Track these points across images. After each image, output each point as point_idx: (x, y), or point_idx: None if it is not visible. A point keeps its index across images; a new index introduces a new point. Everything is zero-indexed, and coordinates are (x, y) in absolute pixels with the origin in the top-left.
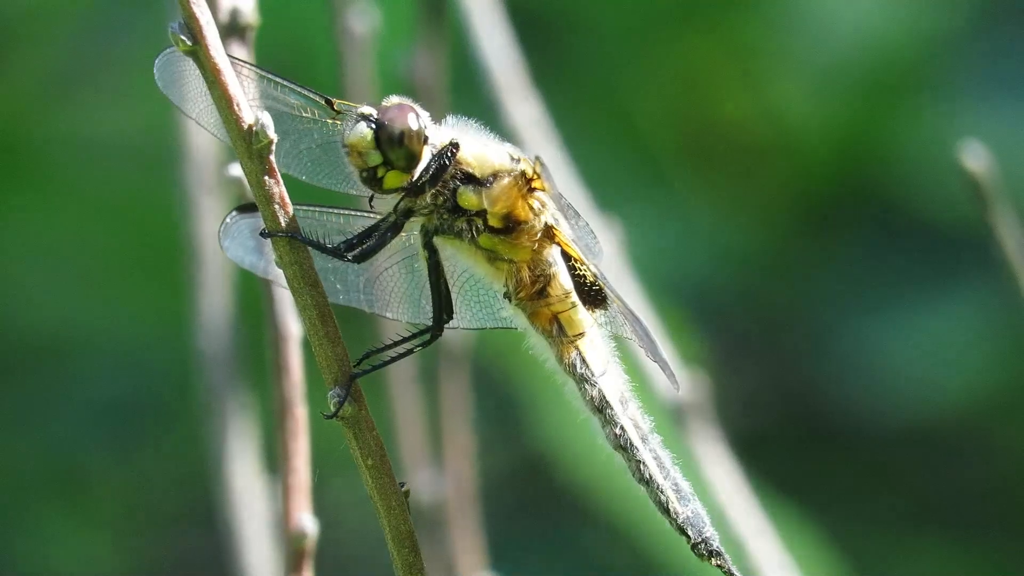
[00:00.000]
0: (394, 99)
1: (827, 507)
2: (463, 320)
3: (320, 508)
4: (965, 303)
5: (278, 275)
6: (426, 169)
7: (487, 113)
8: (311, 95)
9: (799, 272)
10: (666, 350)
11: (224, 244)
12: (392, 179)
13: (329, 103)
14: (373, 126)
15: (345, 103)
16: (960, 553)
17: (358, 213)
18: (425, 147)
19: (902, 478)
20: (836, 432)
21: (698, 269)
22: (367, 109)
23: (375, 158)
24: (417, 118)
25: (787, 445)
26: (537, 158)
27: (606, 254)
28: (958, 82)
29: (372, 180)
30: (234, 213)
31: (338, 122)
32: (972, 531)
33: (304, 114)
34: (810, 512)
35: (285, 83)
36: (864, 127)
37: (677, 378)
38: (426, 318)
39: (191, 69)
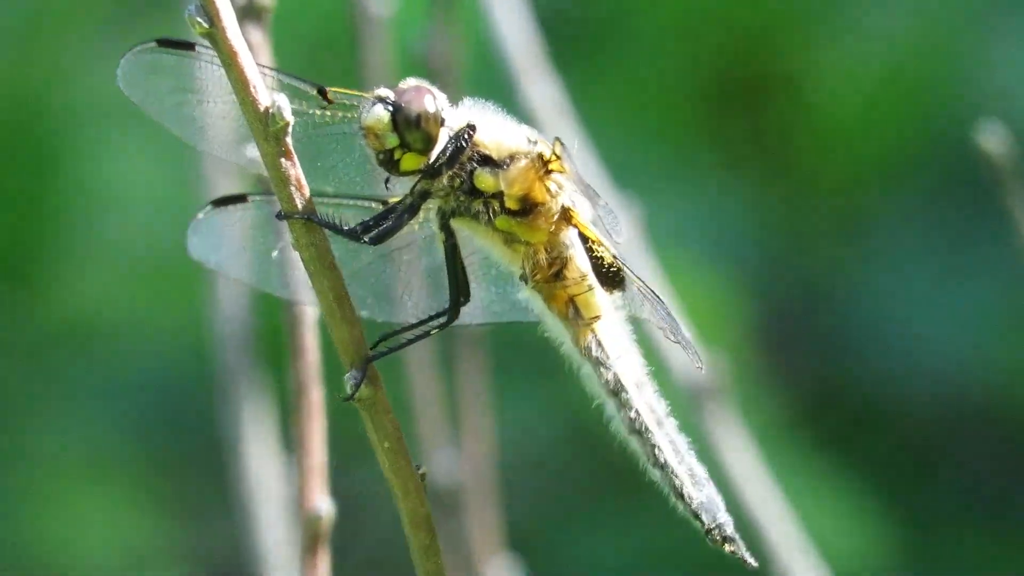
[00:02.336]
0: (411, 81)
1: (869, 481)
2: (475, 311)
3: (336, 490)
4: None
5: (247, 274)
6: (443, 151)
7: (504, 94)
8: (300, 84)
9: (836, 245)
10: (688, 330)
11: (190, 241)
12: (409, 161)
13: (322, 92)
14: (390, 108)
15: (342, 91)
16: (1005, 532)
17: (366, 203)
18: (442, 129)
19: (942, 452)
20: (878, 405)
21: (726, 246)
22: (384, 91)
23: (392, 140)
24: (434, 100)
25: (828, 417)
26: (557, 139)
27: (626, 234)
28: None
29: (389, 162)
30: (208, 207)
31: (328, 113)
32: (1017, 511)
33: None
34: (855, 487)
35: (273, 72)
36: (905, 92)
37: (700, 357)
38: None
39: (162, 65)
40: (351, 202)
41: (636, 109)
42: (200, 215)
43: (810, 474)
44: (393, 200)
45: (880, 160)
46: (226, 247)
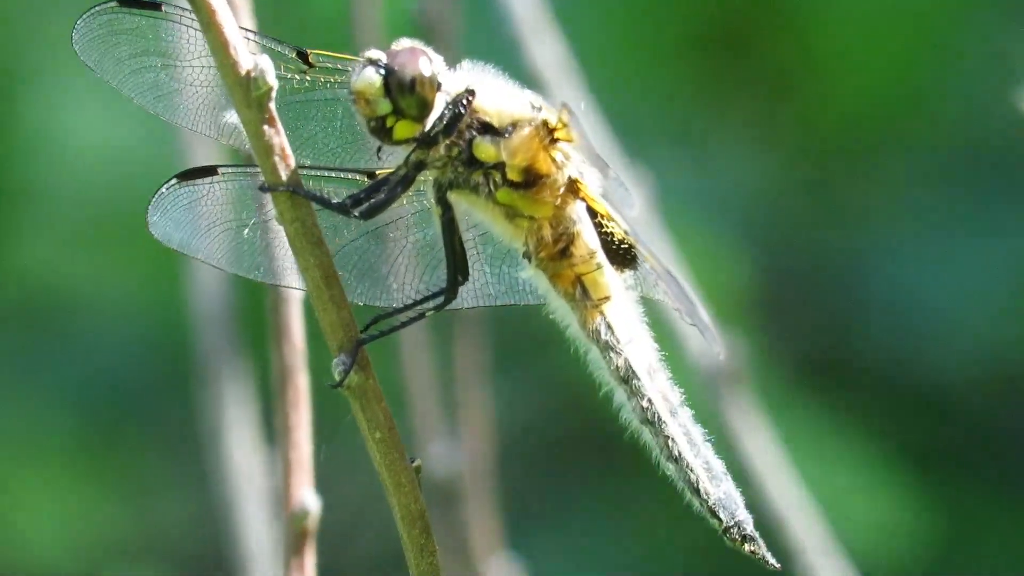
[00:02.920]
0: (404, 42)
1: (897, 459)
2: (468, 294)
3: (323, 483)
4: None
5: (216, 255)
6: (439, 118)
7: (506, 56)
8: (278, 47)
9: (847, 211)
10: (706, 311)
11: (152, 219)
12: (403, 129)
13: (303, 56)
14: (382, 72)
15: (325, 54)
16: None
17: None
18: (438, 94)
19: (973, 424)
20: (902, 377)
21: (737, 215)
22: (375, 54)
23: (384, 106)
24: (429, 63)
25: (836, 385)
26: (564, 105)
27: (639, 208)
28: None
29: (381, 130)
30: (173, 181)
31: (308, 78)
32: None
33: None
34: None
35: (249, 34)
36: (912, 58)
37: (719, 341)
38: (434, 284)
39: (123, 27)
40: (331, 175)
41: (645, 66)
42: (164, 189)
43: (833, 455)
44: (381, 172)
45: (897, 111)
46: (193, 225)
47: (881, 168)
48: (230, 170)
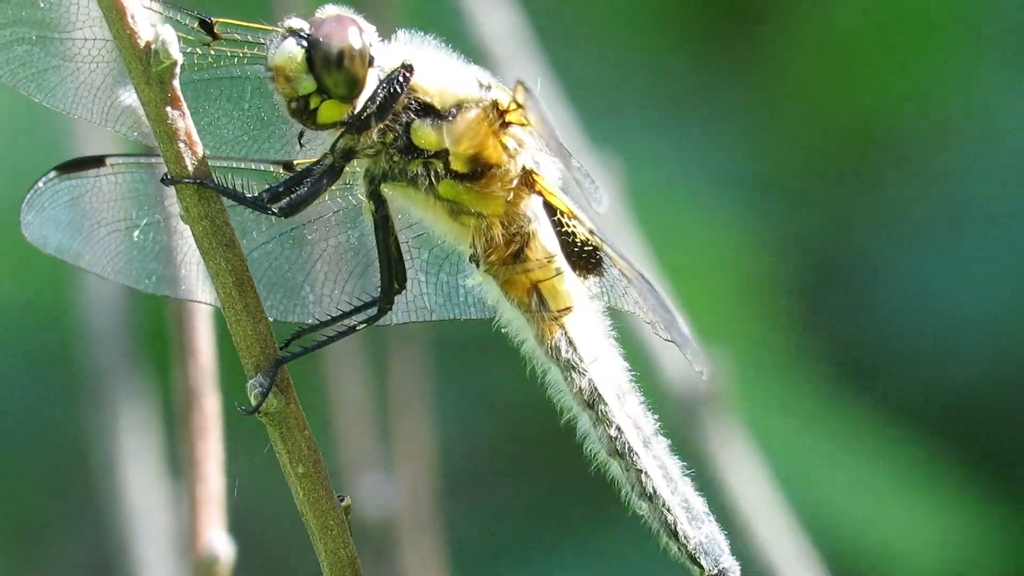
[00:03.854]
0: (331, 9)
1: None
2: (398, 308)
3: (237, 524)
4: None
5: (99, 263)
6: (371, 98)
7: (449, 26)
8: (176, 14)
9: (841, 207)
10: (687, 324)
11: (25, 219)
12: (328, 111)
13: (206, 25)
14: (304, 44)
15: (233, 23)
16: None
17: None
18: (370, 70)
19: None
20: (921, 381)
21: (720, 211)
22: (297, 23)
23: (307, 85)
24: (360, 33)
25: (867, 396)
26: (519, 83)
27: (606, 203)
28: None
29: (303, 112)
30: (52, 174)
31: (212, 51)
32: None
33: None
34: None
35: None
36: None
37: (701, 358)
38: (371, 290)
39: None
40: (239, 167)
41: (611, 37)
42: (40, 184)
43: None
44: (300, 163)
45: (908, 87)
46: (74, 226)
47: (896, 148)
48: (121, 161)
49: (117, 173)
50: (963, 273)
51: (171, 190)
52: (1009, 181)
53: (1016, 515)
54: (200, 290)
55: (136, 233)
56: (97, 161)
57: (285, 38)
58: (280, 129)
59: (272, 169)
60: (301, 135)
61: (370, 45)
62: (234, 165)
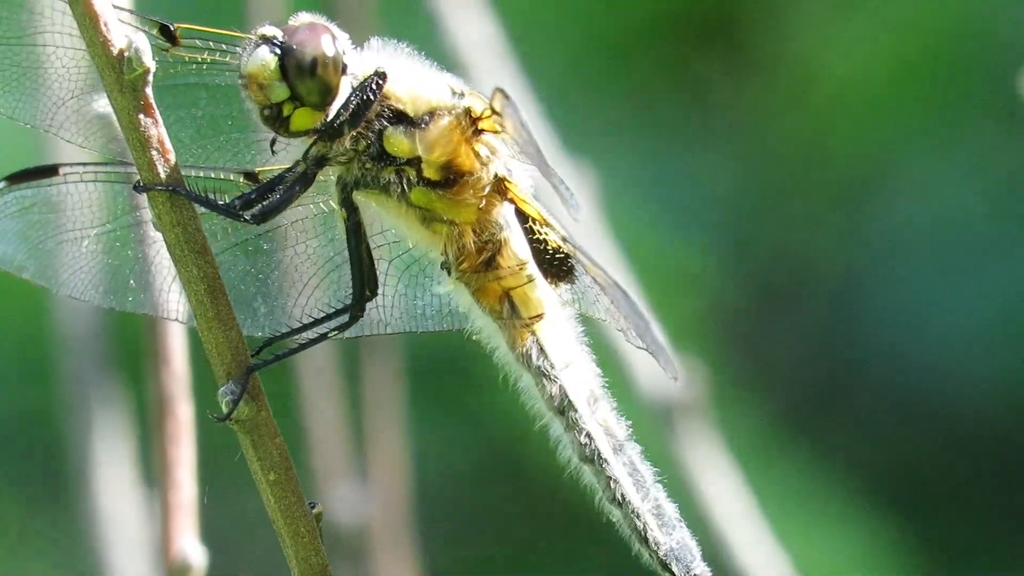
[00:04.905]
0: (304, 17)
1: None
2: (387, 314)
3: (209, 532)
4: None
5: (50, 277)
6: (344, 106)
7: (424, 33)
8: (133, 19)
9: (833, 215)
10: (660, 331)
11: None
12: (301, 118)
13: (167, 32)
14: (278, 52)
15: (195, 28)
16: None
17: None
18: (343, 78)
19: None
20: (885, 412)
21: (697, 225)
22: (270, 30)
23: (280, 92)
24: (333, 41)
25: (824, 426)
26: (498, 90)
27: (581, 212)
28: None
29: (276, 119)
30: (1, 184)
31: (169, 57)
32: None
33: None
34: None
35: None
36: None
37: (674, 365)
38: (341, 297)
39: None
40: (195, 174)
41: (589, 50)
42: None
43: (804, 499)
44: (264, 171)
45: (891, 107)
46: (21, 237)
47: (874, 170)
48: (72, 169)
49: (70, 182)
50: (944, 293)
51: (128, 200)
52: (993, 205)
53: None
54: (148, 303)
55: (85, 244)
56: (50, 170)
57: (258, 45)
58: (230, 139)
59: (233, 178)
60: (273, 143)
61: (343, 53)
62: (192, 174)
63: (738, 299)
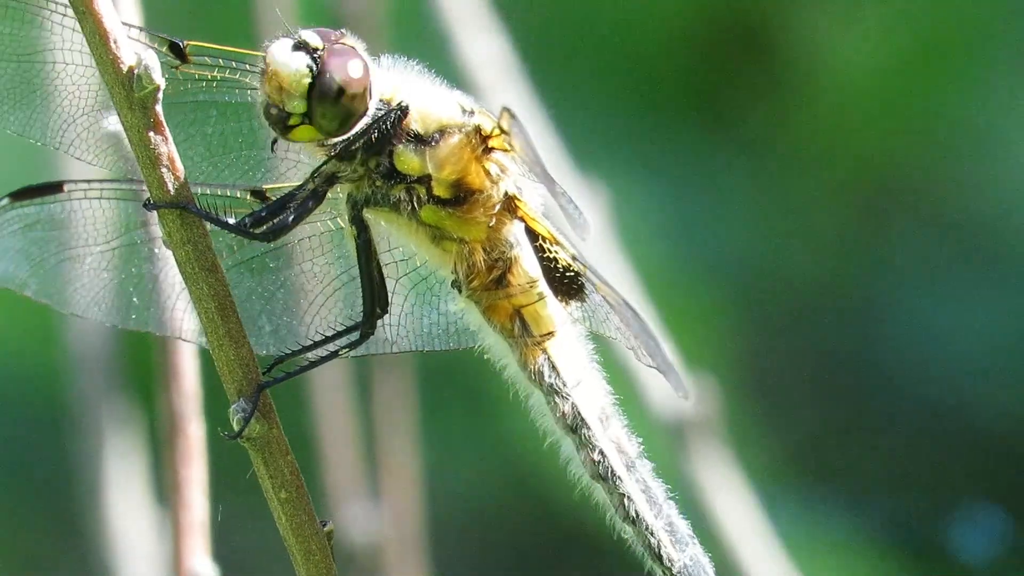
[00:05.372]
0: (350, 40)
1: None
2: (398, 332)
3: (221, 550)
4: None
5: (55, 296)
6: (361, 134)
7: (434, 50)
8: (143, 37)
9: (850, 245)
10: (668, 349)
11: None
12: (303, 133)
13: (177, 49)
14: (313, 68)
15: (205, 46)
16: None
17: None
18: (362, 119)
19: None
20: (904, 447)
21: (710, 245)
22: (314, 38)
23: (298, 106)
24: (367, 80)
25: (837, 459)
26: (505, 110)
27: (590, 230)
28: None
29: (280, 122)
30: (4, 201)
31: (179, 75)
32: None
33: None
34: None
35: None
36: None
37: (683, 383)
38: (353, 315)
39: None
40: (203, 191)
41: (602, 68)
42: None
43: (816, 527)
44: (272, 189)
45: (907, 136)
46: (22, 255)
47: (893, 200)
48: (78, 186)
49: (75, 199)
50: (968, 317)
51: (133, 217)
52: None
53: None
54: (152, 321)
55: (89, 261)
56: (55, 187)
57: (298, 48)
58: (240, 156)
59: (240, 195)
60: (274, 142)
61: (370, 97)
62: (199, 191)
63: (752, 319)
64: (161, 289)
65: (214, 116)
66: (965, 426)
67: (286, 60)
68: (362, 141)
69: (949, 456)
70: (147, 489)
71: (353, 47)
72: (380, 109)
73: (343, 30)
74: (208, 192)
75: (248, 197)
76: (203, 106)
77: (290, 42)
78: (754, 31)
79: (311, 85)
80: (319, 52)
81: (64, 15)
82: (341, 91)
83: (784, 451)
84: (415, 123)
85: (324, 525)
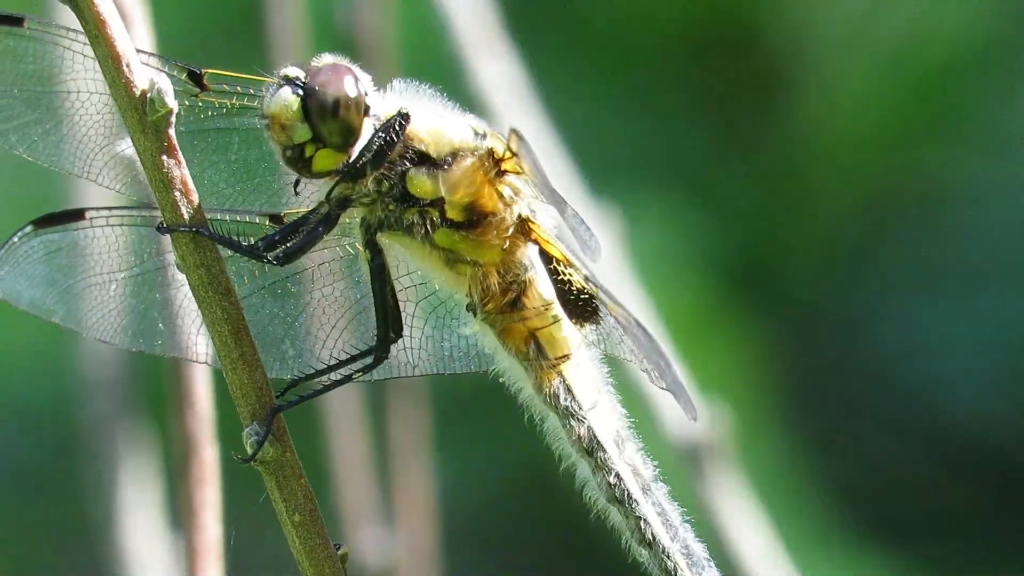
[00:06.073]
0: (327, 59)
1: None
2: (414, 356)
3: (234, 574)
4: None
5: (76, 320)
6: (367, 147)
7: (447, 74)
8: (163, 66)
9: (857, 258)
10: (681, 372)
11: None
12: (324, 159)
13: (195, 77)
14: (300, 92)
15: (222, 74)
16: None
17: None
18: (366, 119)
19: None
20: (918, 463)
21: (724, 264)
22: (293, 71)
23: (303, 133)
24: (356, 82)
25: (850, 477)
26: (513, 131)
27: (603, 252)
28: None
29: (299, 160)
30: (28, 228)
31: (200, 103)
32: None
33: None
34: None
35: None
36: (919, 112)
37: (695, 407)
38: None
39: None
40: (220, 217)
41: (615, 90)
42: (15, 239)
43: (828, 538)
44: (288, 214)
45: (913, 145)
46: (47, 281)
47: (899, 212)
48: (99, 214)
49: (96, 227)
50: (956, 328)
51: (154, 243)
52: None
53: None
54: (174, 345)
55: (113, 287)
56: (76, 214)
57: (281, 86)
58: (265, 181)
59: (259, 220)
60: (297, 183)
61: (365, 94)
62: (218, 217)
63: (765, 341)
64: (183, 313)
65: (236, 143)
66: (967, 436)
67: (275, 100)
68: (371, 154)
69: (950, 465)
70: (161, 513)
71: (332, 62)
72: (380, 118)
73: (321, 54)
74: (227, 218)
75: (267, 222)
76: (224, 133)
77: (272, 86)
78: (760, 48)
79: (304, 108)
80: (300, 79)
81: (85, 43)
82: (332, 100)
83: (792, 466)
84: (427, 146)
85: (338, 548)
